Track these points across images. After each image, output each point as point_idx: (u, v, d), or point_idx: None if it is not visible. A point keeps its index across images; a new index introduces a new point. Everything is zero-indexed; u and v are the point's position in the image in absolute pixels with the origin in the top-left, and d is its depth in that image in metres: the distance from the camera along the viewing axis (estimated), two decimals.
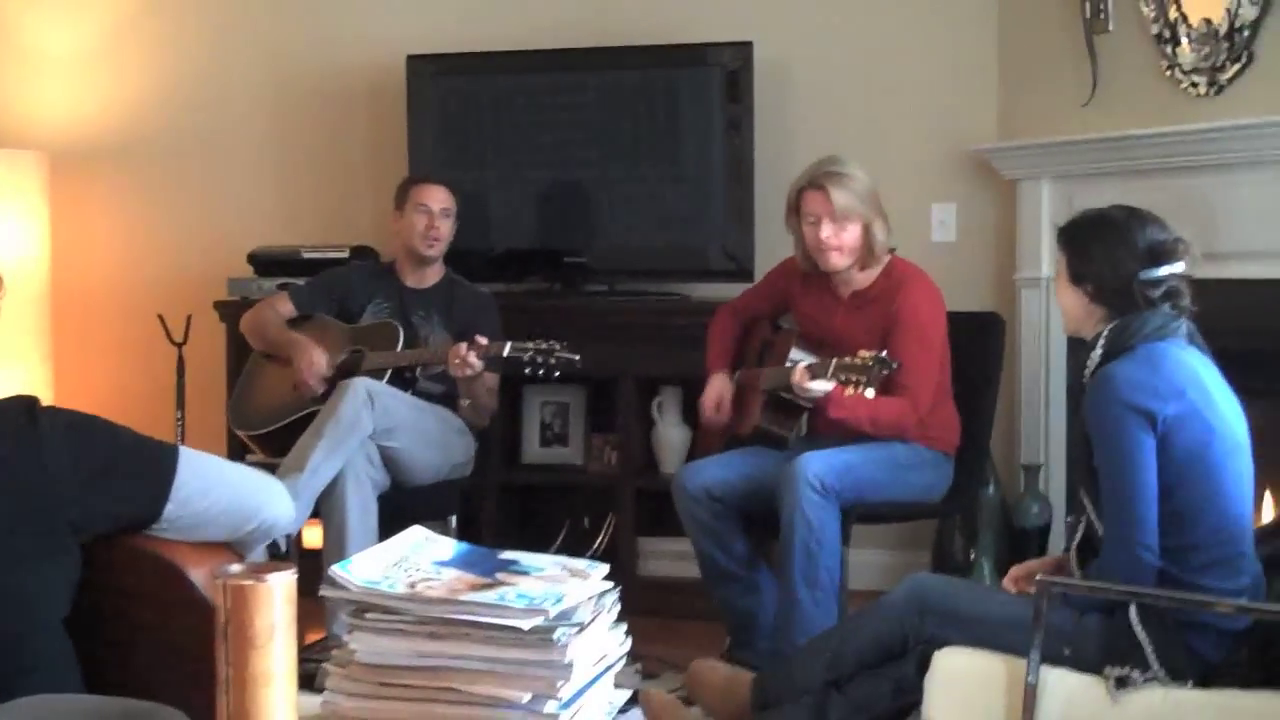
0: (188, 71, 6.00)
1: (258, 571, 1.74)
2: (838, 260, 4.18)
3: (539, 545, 5.16)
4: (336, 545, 4.31)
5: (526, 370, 4.45)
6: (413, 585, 1.94)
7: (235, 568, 1.75)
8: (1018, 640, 2.99)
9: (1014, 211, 5.17)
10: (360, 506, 4.35)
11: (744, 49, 5.25)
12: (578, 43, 5.47)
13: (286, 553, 4.49)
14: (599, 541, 5.35)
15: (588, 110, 5.47)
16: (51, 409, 2.22)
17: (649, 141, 5.44)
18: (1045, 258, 4.99)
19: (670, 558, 5.21)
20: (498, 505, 5.25)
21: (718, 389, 4.46)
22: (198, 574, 2.27)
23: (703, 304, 5.08)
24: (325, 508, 4.36)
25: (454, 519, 4.71)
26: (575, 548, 5.26)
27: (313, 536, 4.78)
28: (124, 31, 6.04)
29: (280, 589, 1.73)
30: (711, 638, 4.35)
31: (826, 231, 4.15)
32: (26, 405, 2.20)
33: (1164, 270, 3.11)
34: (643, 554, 5.27)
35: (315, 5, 5.88)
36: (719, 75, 5.35)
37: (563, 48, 5.47)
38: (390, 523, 4.38)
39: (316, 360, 4.64)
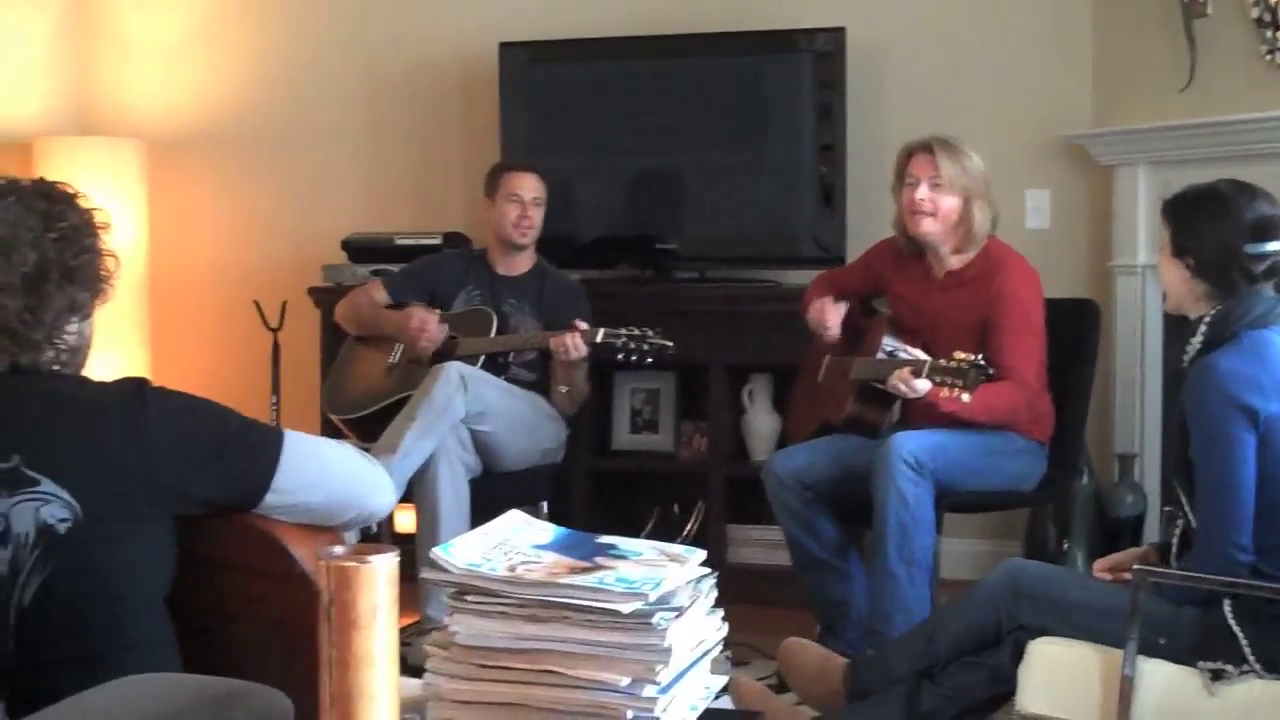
0: (283, 59, 6.06)
1: (360, 553, 1.75)
2: (928, 226, 4.15)
3: (628, 532, 5.10)
4: (429, 528, 4.35)
5: (619, 356, 4.48)
6: (513, 568, 1.95)
7: (338, 549, 1.77)
8: (1112, 627, 2.97)
9: (1109, 198, 5.12)
10: (453, 490, 4.39)
11: (837, 34, 5.23)
12: (670, 29, 5.47)
13: (378, 535, 4.53)
14: (688, 528, 5.34)
15: (679, 96, 5.48)
16: (159, 390, 2.23)
17: (740, 128, 5.43)
18: (1141, 244, 4.94)
19: (760, 545, 5.21)
20: (588, 492, 5.26)
21: (820, 304, 4.42)
22: (300, 549, 2.28)
23: (793, 290, 5.04)
24: (418, 491, 4.41)
25: (545, 505, 4.73)
26: (665, 535, 5.25)
27: (404, 520, 4.81)
28: (220, 20, 6.11)
29: (383, 571, 1.74)
30: (801, 626, 4.33)
31: (922, 193, 4.13)
32: (135, 386, 2.23)
33: (1270, 246, 3.05)
34: (732, 541, 5.28)
35: None
36: (810, 61, 5.33)
37: (655, 34, 5.47)
38: (482, 508, 4.41)
39: (424, 318, 4.68)
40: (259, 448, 2.28)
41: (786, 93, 5.40)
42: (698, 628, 2.01)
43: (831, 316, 4.38)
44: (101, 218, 2.33)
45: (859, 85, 5.28)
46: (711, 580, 2.05)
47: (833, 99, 5.27)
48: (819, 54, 5.30)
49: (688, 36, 5.44)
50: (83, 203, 2.31)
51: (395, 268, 5.08)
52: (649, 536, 5.24)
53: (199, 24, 6.13)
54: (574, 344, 4.47)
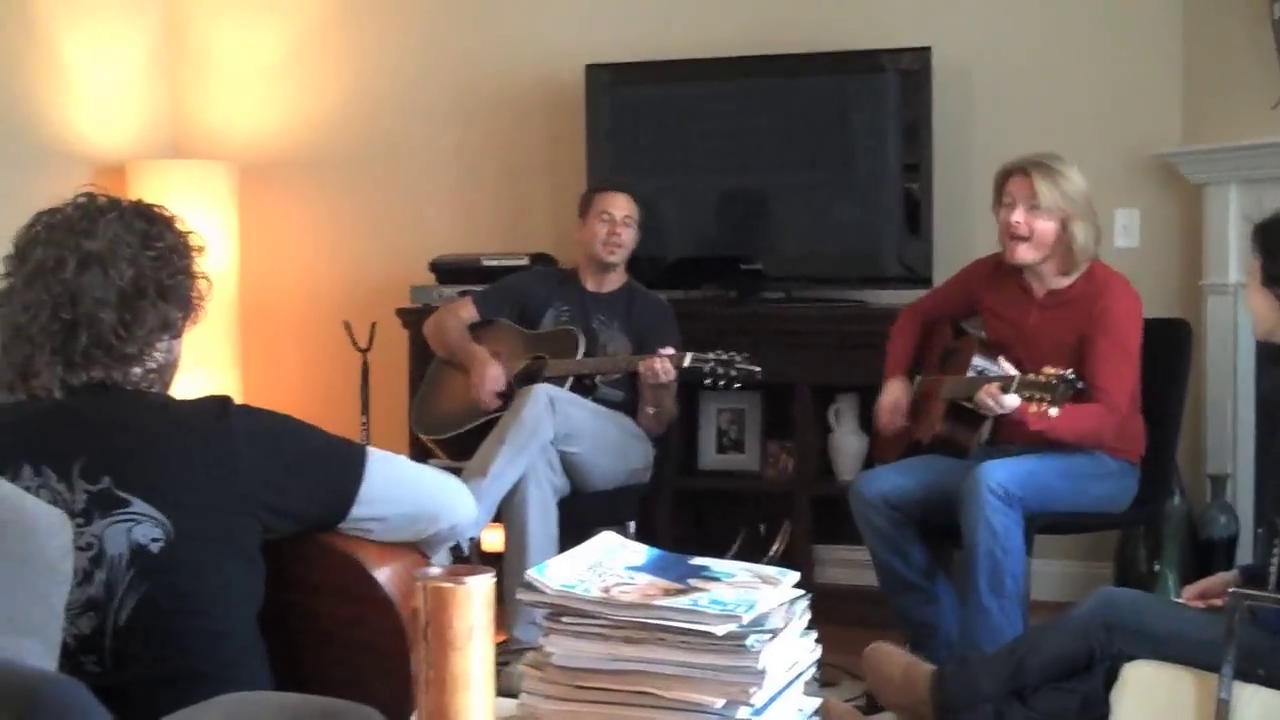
0: (371, 83, 6.12)
1: (456, 574, 1.77)
2: (1024, 252, 4.13)
3: (714, 552, 5.09)
4: (517, 549, 4.37)
5: (707, 381, 4.48)
6: (607, 590, 1.95)
7: (435, 570, 1.78)
8: (1208, 659, 2.92)
9: (1200, 216, 5.06)
10: (541, 511, 4.40)
11: (922, 54, 5.21)
12: (755, 50, 5.46)
13: (468, 556, 4.56)
14: (774, 549, 5.34)
15: (765, 117, 5.47)
16: (243, 408, 2.26)
17: (826, 148, 5.42)
18: (1233, 263, 4.89)
19: (846, 565, 5.19)
20: (674, 511, 5.25)
21: (894, 394, 4.44)
22: (383, 572, 2.30)
23: (880, 310, 5.05)
24: (506, 512, 4.43)
25: (632, 525, 4.74)
26: (751, 555, 5.25)
27: (492, 540, 4.84)
28: (310, 46, 6.18)
29: (479, 592, 1.76)
30: None
31: (1018, 215, 4.10)
32: (219, 404, 2.25)
33: None
34: (819, 562, 5.26)
35: (496, 16, 5.96)
36: (896, 81, 5.31)
37: (740, 55, 5.46)
38: (569, 528, 4.43)
39: (491, 376, 4.72)
40: (343, 463, 2.32)
41: (872, 113, 5.39)
42: (791, 650, 2.01)
43: (898, 416, 4.40)
44: (197, 241, 2.38)
45: (945, 105, 5.26)
46: (805, 602, 2.05)
47: (919, 119, 5.25)
48: (905, 74, 5.28)
49: (773, 57, 5.43)
50: (180, 226, 2.35)
51: (481, 288, 5.11)
52: (735, 556, 5.24)
53: (289, 50, 6.21)
54: (663, 368, 4.48)
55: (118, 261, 2.23)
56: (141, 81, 6.15)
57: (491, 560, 4.67)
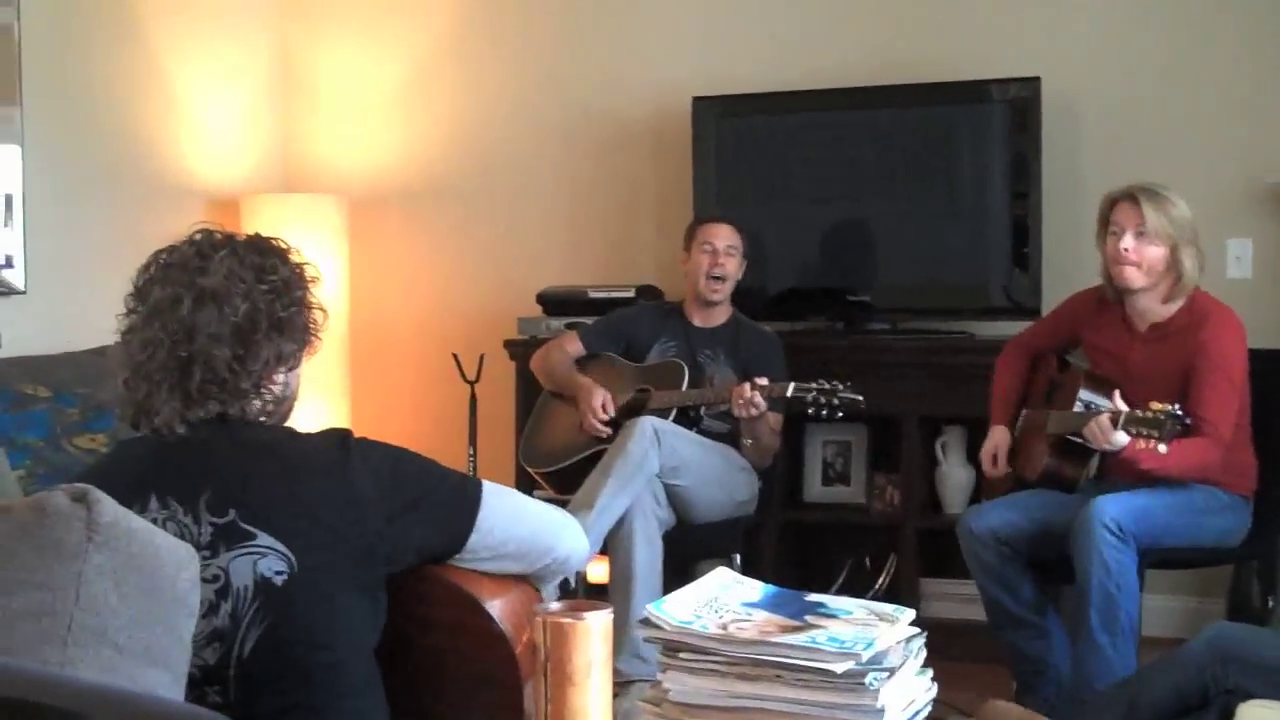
0: (479, 117, 6.18)
1: (576, 609, 1.78)
2: (1133, 276, 4.07)
3: (819, 585, 5.15)
4: (623, 582, 4.38)
5: (810, 410, 4.47)
6: (724, 626, 1.96)
7: (554, 605, 1.80)
8: None
9: None
10: (647, 544, 4.41)
11: (1031, 84, 5.18)
12: (861, 81, 5.46)
13: (575, 589, 4.57)
14: (880, 582, 5.31)
15: (872, 148, 5.46)
16: (364, 442, 2.28)
17: (933, 179, 5.41)
18: None
19: (954, 599, 5.14)
20: (779, 544, 5.25)
21: (995, 442, 4.40)
22: (495, 605, 2.32)
23: (987, 342, 5.01)
24: (612, 545, 4.44)
25: (738, 557, 4.73)
26: (856, 588, 5.23)
27: (598, 573, 4.86)
28: (418, 81, 6.26)
29: (598, 627, 1.78)
30: (997, 682, 4.27)
31: (1127, 242, 4.06)
32: (340, 438, 2.28)
33: None
34: (925, 595, 5.22)
35: (603, 50, 6.00)
36: (1003, 111, 5.28)
37: (846, 87, 5.46)
38: (675, 560, 4.44)
39: (600, 403, 4.74)
40: (460, 495, 2.34)
41: (980, 144, 5.36)
42: (909, 688, 2.00)
43: (1002, 460, 4.38)
44: (312, 272, 2.40)
45: (1054, 134, 5.22)
46: (921, 640, 2.05)
47: (1027, 149, 5.21)
48: (1013, 103, 5.25)
49: (880, 88, 5.42)
50: (294, 257, 2.37)
51: (589, 320, 5.15)
52: (840, 590, 5.24)
53: (398, 84, 6.29)
54: (749, 399, 4.48)
55: (232, 297, 2.25)
56: (254, 116, 6.25)
57: (597, 592, 4.69)
